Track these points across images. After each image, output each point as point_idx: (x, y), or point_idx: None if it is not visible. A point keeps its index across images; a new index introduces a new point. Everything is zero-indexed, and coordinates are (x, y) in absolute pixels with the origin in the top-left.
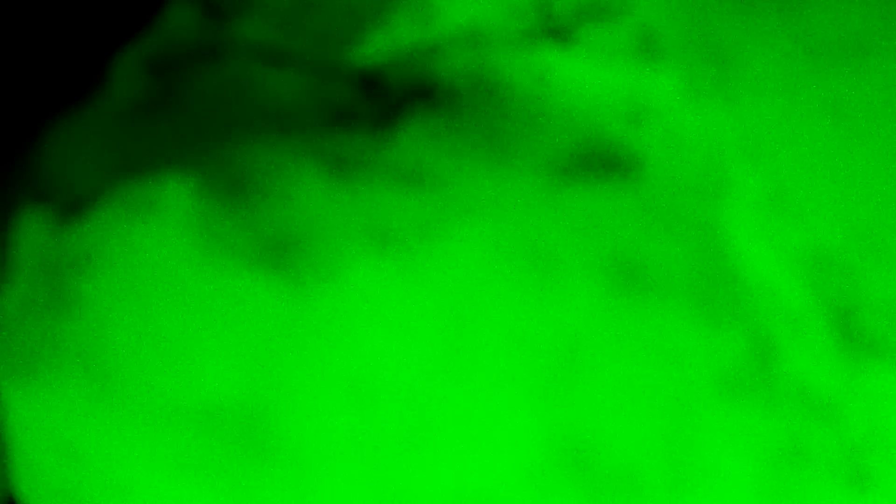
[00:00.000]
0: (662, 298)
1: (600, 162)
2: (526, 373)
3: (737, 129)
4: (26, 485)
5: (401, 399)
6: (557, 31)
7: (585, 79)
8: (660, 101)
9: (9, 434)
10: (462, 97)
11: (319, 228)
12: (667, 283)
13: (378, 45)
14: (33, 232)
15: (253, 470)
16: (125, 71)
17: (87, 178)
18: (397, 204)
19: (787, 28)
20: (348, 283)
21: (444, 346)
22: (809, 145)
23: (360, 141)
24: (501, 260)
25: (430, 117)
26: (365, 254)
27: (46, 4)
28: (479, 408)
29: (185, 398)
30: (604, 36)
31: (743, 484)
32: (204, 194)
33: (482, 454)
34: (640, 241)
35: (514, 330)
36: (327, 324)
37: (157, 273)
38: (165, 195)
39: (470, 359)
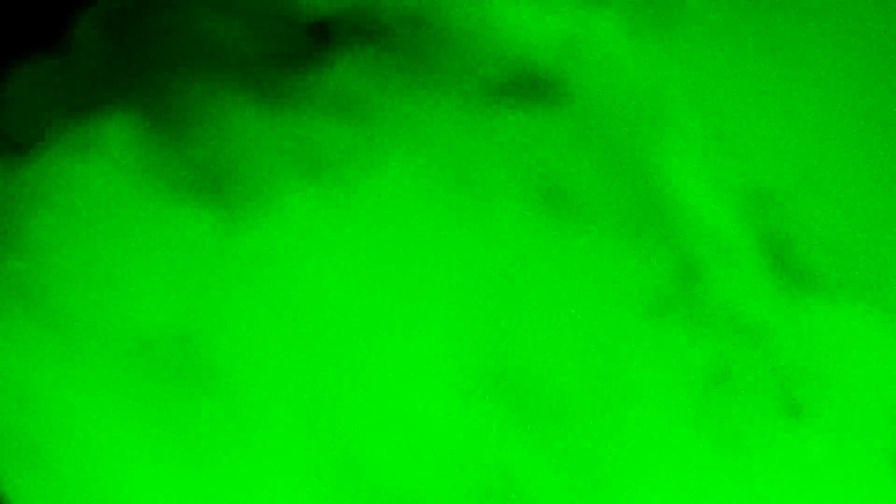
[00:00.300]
0: (588, 221)
1: (530, 87)
2: (455, 298)
3: (675, 67)
4: None
5: (333, 327)
6: None
7: (524, 19)
8: (597, 38)
9: None
10: (397, 33)
11: (251, 159)
12: (593, 207)
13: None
14: None
15: (189, 401)
16: (84, 25)
17: (37, 122)
18: (328, 133)
19: None
20: (280, 213)
21: (375, 274)
22: (748, 84)
23: (293, 75)
24: (430, 185)
25: (362, 50)
26: (296, 183)
27: None
28: (409, 334)
29: (124, 331)
30: None
31: (671, 407)
32: (143, 130)
33: (413, 380)
34: (567, 166)
35: (443, 256)
36: (260, 254)
37: (97, 208)
38: (106, 133)
39: (400, 286)
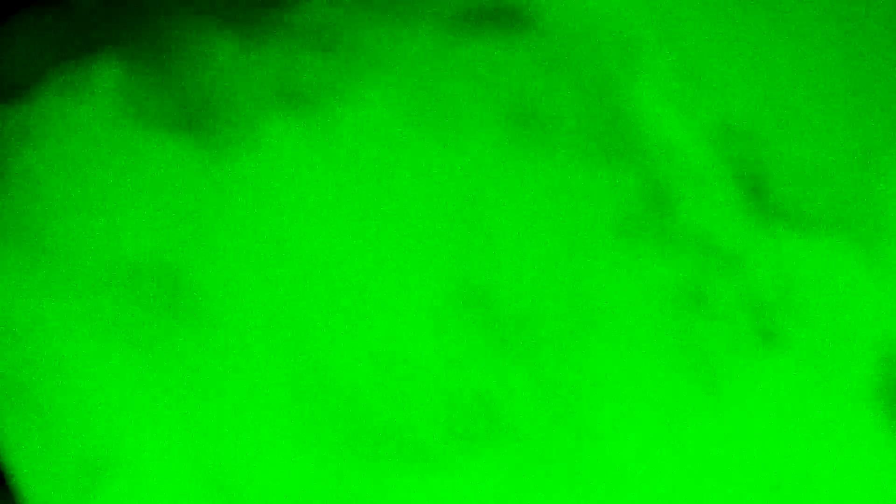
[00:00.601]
0: (559, 145)
1: (503, 16)
2: (429, 224)
3: (649, 4)
4: None
5: (312, 255)
6: None
7: None
8: None
9: None
10: None
11: (233, 92)
12: (564, 131)
13: None
14: None
15: (171, 329)
16: None
17: (32, 66)
18: (307, 65)
19: None
20: (262, 144)
21: (353, 201)
22: (722, 21)
23: (273, 10)
24: (406, 113)
25: None
26: (277, 115)
27: None
28: (386, 260)
29: (109, 261)
30: None
31: (643, 326)
32: (130, 70)
33: (389, 305)
34: (539, 92)
35: (417, 182)
36: (242, 184)
37: (85, 144)
38: (96, 74)
39: (376, 213)
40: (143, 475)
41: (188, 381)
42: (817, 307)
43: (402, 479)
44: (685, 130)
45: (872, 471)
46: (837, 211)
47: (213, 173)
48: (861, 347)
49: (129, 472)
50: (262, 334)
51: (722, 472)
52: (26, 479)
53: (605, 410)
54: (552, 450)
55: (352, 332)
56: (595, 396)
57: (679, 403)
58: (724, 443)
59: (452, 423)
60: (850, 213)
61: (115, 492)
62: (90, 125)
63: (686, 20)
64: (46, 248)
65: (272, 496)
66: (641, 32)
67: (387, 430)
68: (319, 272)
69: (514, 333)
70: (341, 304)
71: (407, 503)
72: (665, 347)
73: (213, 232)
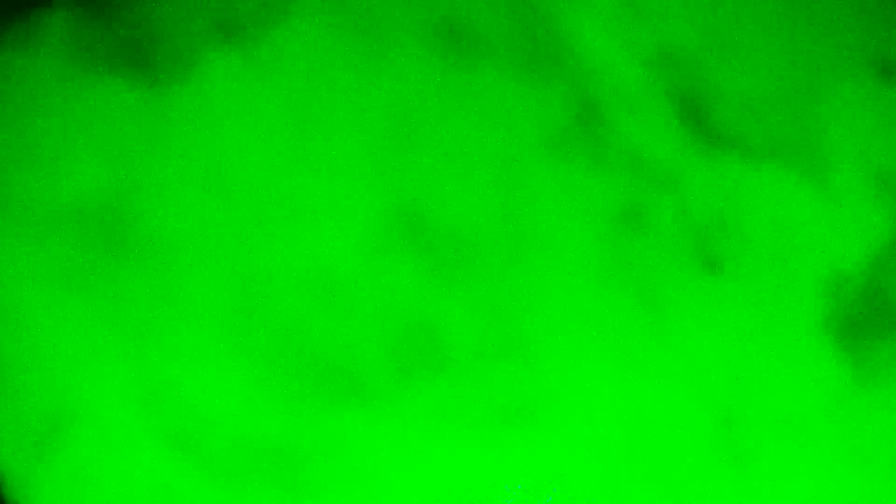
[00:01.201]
0: (488, 62)
1: None
2: (363, 144)
3: None
4: None
5: (252, 185)
6: None
7: None
8: None
9: None
10: None
11: (173, 28)
12: (493, 48)
13: None
14: None
15: (120, 268)
16: None
17: None
18: None
19: None
20: (200, 77)
21: (289, 129)
22: None
23: None
24: (336, 37)
25: None
26: (214, 47)
27: None
28: (322, 185)
29: (54, 202)
30: None
31: (580, 246)
32: (76, 16)
33: (326, 230)
34: (467, 9)
35: (350, 105)
36: (183, 118)
37: (32, 93)
38: (44, 25)
39: (311, 137)
40: (101, 426)
41: (138, 323)
42: (761, 234)
43: (347, 416)
44: (620, 53)
45: (822, 400)
46: (780, 140)
47: (155, 109)
48: (808, 276)
49: (87, 423)
50: (206, 266)
51: (667, 401)
52: None
53: (545, 335)
54: (495, 380)
55: (290, 261)
56: (535, 321)
57: (620, 326)
58: (668, 371)
59: (395, 355)
60: (793, 142)
61: (75, 444)
62: (37, 75)
63: None
64: None
65: (221, 439)
66: None
67: (330, 364)
68: (258, 200)
69: (451, 256)
70: (280, 231)
71: (354, 439)
72: (603, 268)
73: (156, 167)
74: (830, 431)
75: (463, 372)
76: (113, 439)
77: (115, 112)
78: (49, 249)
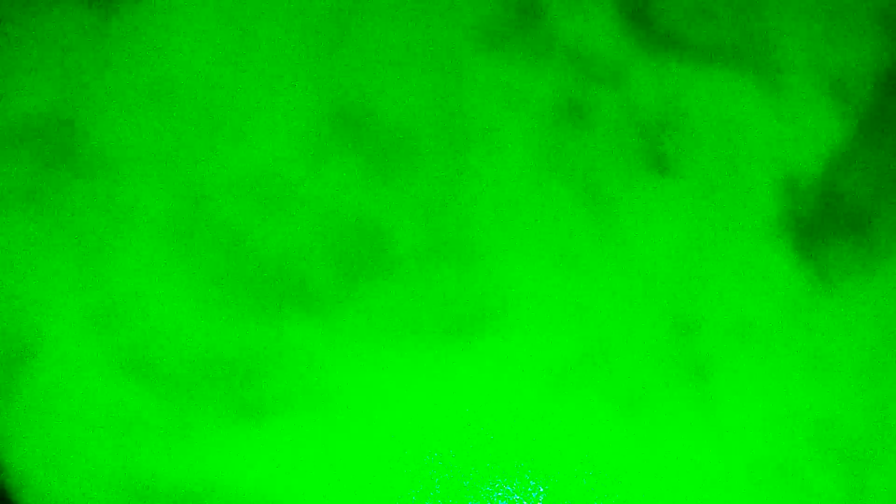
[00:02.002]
0: None
1: None
2: (300, 47)
3: None
4: None
5: (195, 97)
6: None
7: None
8: None
9: None
10: None
11: None
12: None
13: None
14: None
15: (68, 185)
16: None
17: None
18: None
19: None
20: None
21: (229, 39)
22: None
23: None
24: None
25: None
26: None
27: None
28: (261, 91)
29: (5, 122)
30: None
31: (521, 140)
32: None
33: (266, 135)
34: None
35: (287, 8)
36: (129, 35)
37: None
38: None
39: (250, 45)
40: (60, 354)
41: (90, 241)
42: (710, 135)
43: (294, 326)
44: None
45: (781, 305)
46: (728, 43)
47: (102, 28)
48: (761, 178)
49: (47, 353)
50: (152, 180)
51: (619, 308)
52: None
53: (489, 236)
54: (440, 284)
55: (233, 169)
56: (478, 221)
57: (566, 227)
58: (619, 275)
59: (339, 259)
60: (742, 45)
61: (37, 376)
62: None
63: None
64: None
65: (172, 357)
66: None
67: (275, 272)
68: (200, 111)
69: (391, 155)
70: (222, 140)
71: (301, 351)
72: (546, 166)
73: (103, 84)
74: (791, 337)
75: (408, 275)
76: (71, 367)
77: (64, 31)
78: (2, 170)
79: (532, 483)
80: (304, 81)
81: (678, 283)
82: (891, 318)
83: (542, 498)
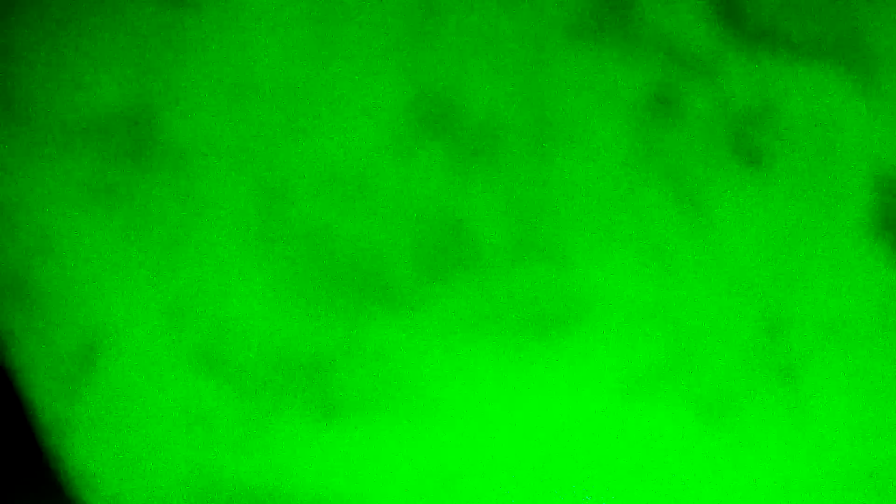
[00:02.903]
0: None
1: None
2: (383, 34)
3: None
4: None
5: (274, 88)
6: None
7: None
8: None
9: None
10: None
11: None
12: None
13: None
14: None
15: (144, 179)
16: None
17: None
18: None
19: None
20: None
21: (309, 29)
22: None
23: None
24: None
25: None
26: None
27: None
28: (342, 81)
29: (79, 114)
30: None
31: (610, 136)
32: None
33: (348, 126)
34: None
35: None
36: (205, 27)
37: (58, 5)
38: None
39: (331, 34)
40: (132, 350)
41: (164, 236)
42: (803, 130)
43: (375, 324)
44: None
45: (873, 305)
46: (822, 37)
47: (178, 19)
48: (855, 174)
49: (118, 350)
50: (229, 174)
51: (708, 307)
52: (26, 373)
53: (576, 233)
54: (525, 283)
55: (312, 162)
56: (565, 217)
57: (655, 224)
58: (708, 273)
59: (422, 255)
60: (835, 39)
61: (107, 374)
62: None
63: None
64: (19, 107)
65: (248, 353)
66: None
67: (356, 268)
68: (279, 103)
69: (476, 148)
70: (301, 132)
71: (381, 350)
72: (635, 160)
73: (178, 77)
74: (886, 339)
75: (492, 273)
76: (144, 363)
77: (142, 25)
78: (75, 166)
79: (613, 490)
80: (387, 73)
81: (769, 282)
82: None
83: None
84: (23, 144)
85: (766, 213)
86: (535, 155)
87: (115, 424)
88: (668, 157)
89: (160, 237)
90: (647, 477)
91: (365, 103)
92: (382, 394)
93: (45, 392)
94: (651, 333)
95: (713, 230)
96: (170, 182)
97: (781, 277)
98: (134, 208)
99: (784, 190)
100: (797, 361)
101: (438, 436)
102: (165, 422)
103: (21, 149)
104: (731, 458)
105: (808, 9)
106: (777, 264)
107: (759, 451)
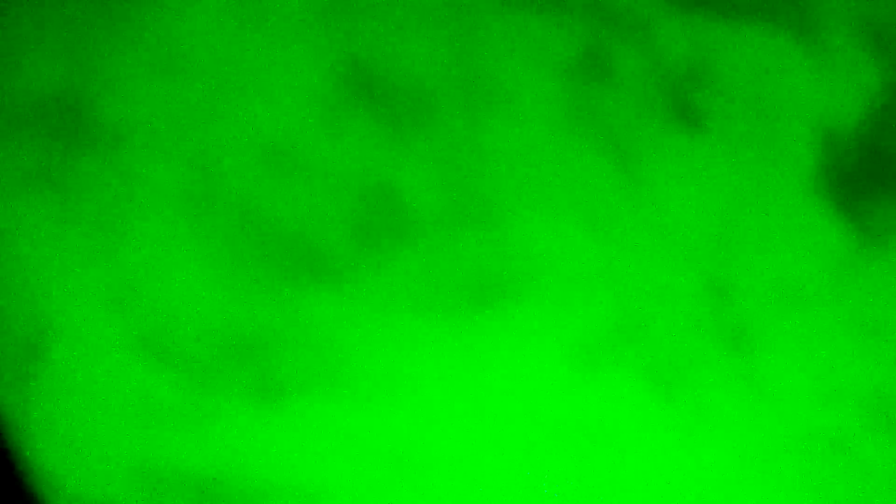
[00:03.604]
0: None
1: None
2: (310, 4)
3: None
4: None
5: (202, 63)
6: None
7: None
8: None
9: None
10: None
11: None
12: None
13: None
14: None
15: (78, 163)
16: None
17: None
18: None
19: None
20: None
21: (236, 6)
22: None
23: None
24: None
25: None
26: None
27: None
28: (270, 52)
29: (14, 101)
30: None
31: (540, 96)
32: None
33: (277, 98)
34: None
35: None
36: (137, 9)
37: None
38: None
39: (258, 6)
40: (77, 338)
41: (103, 220)
42: (743, 88)
43: (312, 299)
44: None
45: (822, 265)
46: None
47: (108, 4)
48: (798, 132)
49: (64, 338)
50: (162, 152)
51: (652, 273)
52: None
53: (511, 198)
54: (462, 250)
55: (243, 135)
56: (499, 182)
57: (592, 187)
58: (650, 237)
59: (356, 226)
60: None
61: (55, 362)
62: None
63: None
64: None
65: (189, 336)
66: None
67: (291, 242)
68: (208, 77)
69: (407, 114)
70: (231, 106)
71: (320, 325)
72: (569, 122)
73: (110, 58)
74: (835, 300)
75: (428, 241)
76: (89, 351)
77: (69, 9)
78: (10, 153)
79: (564, 463)
80: (313, 41)
81: (713, 244)
82: None
83: (572, 480)
84: None
85: (707, 174)
86: (468, 120)
87: (62, 411)
88: (602, 118)
89: (96, 221)
90: (598, 448)
91: (292, 75)
92: (323, 373)
93: None
94: (594, 300)
95: (652, 192)
96: (103, 165)
97: (726, 239)
98: (69, 193)
99: (724, 149)
100: (748, 326)
101: (382, 414)
102: (112, 411)
103: None
104: (685, 427)
105: None
106: (721, 226)
107: (715, 419)
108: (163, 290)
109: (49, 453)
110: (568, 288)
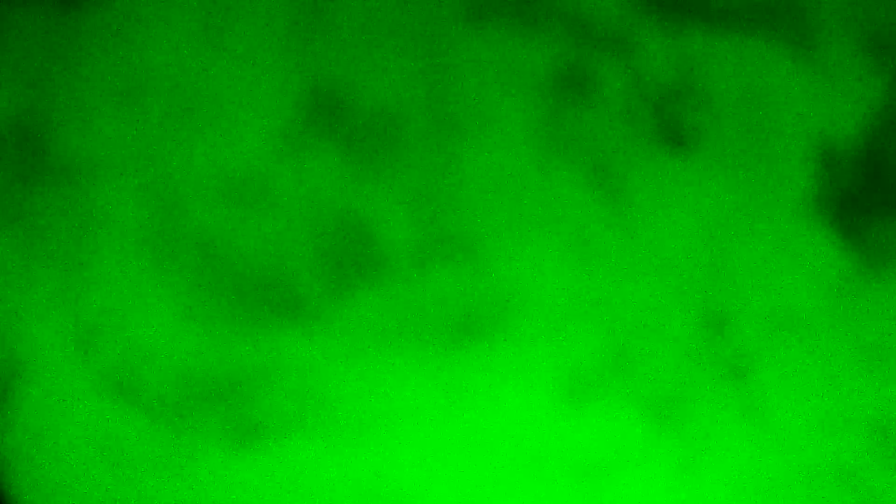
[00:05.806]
0: None
1: None
2: (272, 32)
3: None
4: None
5: (163, 94)
6: None
7: None
8: None
9: None
10: None
11: None
12: None
13: None
14: None
15: (38, 196)
16: None
17: None
18: None
19: None
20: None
21: (197, 31)
22: None
23: None
24: None
25: None
26: None
27: None
28: (233, 81)
29: None
30: None
31: (516, 118)
32: None
33: (240, 128)
34: None
35: None
36: (94, 37)
37: None
38: None
39: (220, 34)
40: (45, 377)
41: (64, 255)
42: (733, 104)
43: (284, 338)
44: None
45: (822, 291)
46: (752, 5)
47: (67, 31)
48: (794, 151)
49: (34, 379)
50: (123, 186)
51: (642, 304)
52: None
53: (490, 230)
54: (441, 284)
55: (206, 167)
56: (477, 213)
57: (576, 215)
58: (640, 267)
59: (327, 262)
60: (768, 7)
61: (27, 402)
62: None
63: None
64: None
65: (158, 377)
66: None
67: (259, 279)
68: (169, 108)
69: (374, 142)
70: (193, 137)
71: (294, 365)
72: (548, 146)
73: (69, 89)
74: (836, 327)
75: (403, 276)
76: (57, 391)
77: (26, 35)
78: None
79: (558, 502)
80: (276, 68)
81: (705, 270)
82: None
83: None
84: None
85: (696, 197)
86: (438, 146)
87: (34, 453)
88: (583, 141)
89: (60, 257)
90: (591, 489)
91: (256, 104)
92: (298, 414)
93: None
94: (582, 333)
95: (638, 218)
96: (63, 198)
97: (720, 265)
98: (33, 228)
99: (715, 170)
100: (746, 355)
101: (360, 455)
102: (85, 455)
103: None
104: (684, 463)
105: None
106: (714, 251)
107: (715, 453)
108: (129, 331)
109: (23, 497)
110: (553, 322)
